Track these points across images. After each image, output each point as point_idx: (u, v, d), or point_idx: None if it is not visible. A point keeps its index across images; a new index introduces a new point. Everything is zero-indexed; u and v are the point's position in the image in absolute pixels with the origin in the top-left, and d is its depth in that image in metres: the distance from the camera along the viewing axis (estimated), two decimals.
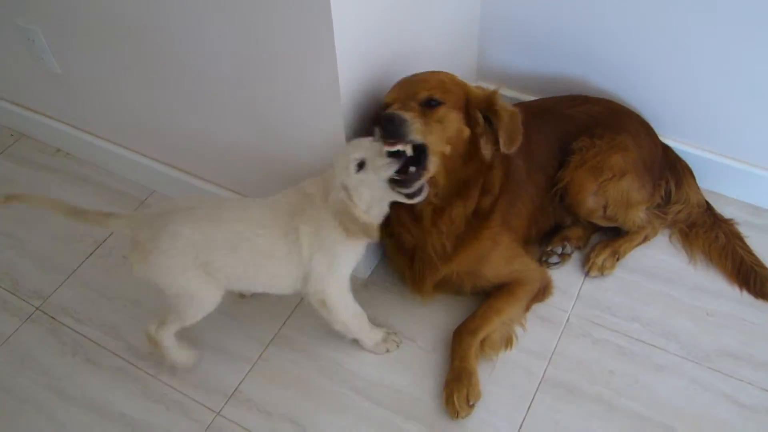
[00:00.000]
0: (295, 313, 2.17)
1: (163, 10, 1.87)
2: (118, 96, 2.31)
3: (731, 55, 2.09)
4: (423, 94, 1.78)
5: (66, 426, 1.99)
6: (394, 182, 1.75)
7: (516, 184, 2.05)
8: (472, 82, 2.54)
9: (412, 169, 1.76)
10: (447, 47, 2.28)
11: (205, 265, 1.82)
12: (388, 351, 2.07)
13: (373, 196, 1.78)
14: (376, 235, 1.78)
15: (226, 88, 1.97)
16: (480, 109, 1.85)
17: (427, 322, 2.13)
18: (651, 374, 1.98)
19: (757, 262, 2.18)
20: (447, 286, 2.10)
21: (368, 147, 1.74)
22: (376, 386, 2.00)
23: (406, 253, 2.06)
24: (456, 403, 1.87)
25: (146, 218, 1.84)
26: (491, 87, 1.91)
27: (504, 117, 1.83)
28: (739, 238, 2.24)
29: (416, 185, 1.76)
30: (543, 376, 1.99)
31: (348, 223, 1.75)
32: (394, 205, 1.88)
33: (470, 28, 2.40)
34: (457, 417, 1.88)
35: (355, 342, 2.08)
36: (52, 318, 2.24)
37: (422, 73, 1.87)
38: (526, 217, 2.12)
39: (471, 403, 1.89)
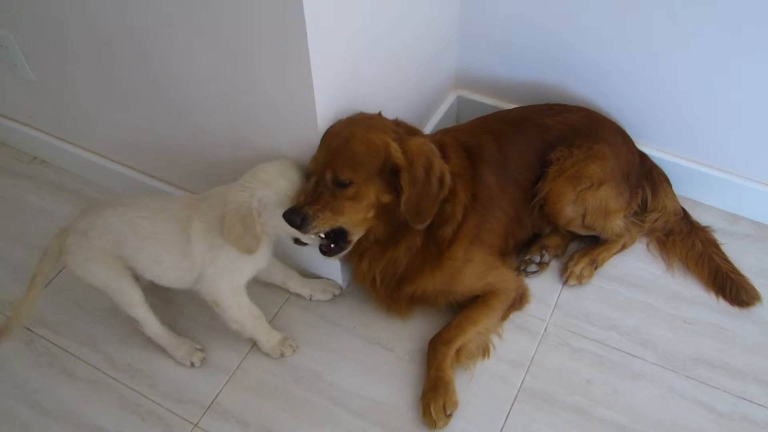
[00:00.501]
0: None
1: (139, 20, 1.85)
2: (93, 104, 2.29)
3: (707, 64, 2.11)
4: (330, 175, 1.76)
5: None
6: (320, 249, 1.87)
7: (486, 203, 2.04)
8: (451, 90, 2.58)
9: (333, 246, 1.86)
10: (426, 54, 2.28)
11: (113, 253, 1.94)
12: (283, 355, 2.08)
13: (274, 234, 1.90)
14: (255, 252, 1.83)
15: (204, 101, 1.96)
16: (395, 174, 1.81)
17: (405, 332, 2.13)
18: (629, 383, 1.99)
19: (733, 270, 2.19)
20: (421, 302, 2.10)
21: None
22: (355, 397, 1.99)
23: (366, 277, 2.07)
24: (433, 413, 1.87)
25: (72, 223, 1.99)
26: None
27: (408, 191, 1.78)
28: (715, 245, 2.25)
29: (338, 256, 1.88)
30: (521, 386, 1.99)
31: (237, 228, 1.79)
32: None
33: (449, 36, 2.40)
34: (435, 427, 1.88)
35: (334, 353, 2.08)
36: (28, 329, 2.21)
37: (341, 134, 1.79)
38: (501, 231, 2.12)
39: (448, 412, 1.89)
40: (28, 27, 2.18)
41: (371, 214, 1.83)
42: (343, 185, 1.76)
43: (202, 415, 1.98)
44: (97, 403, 2.03)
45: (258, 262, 1.95)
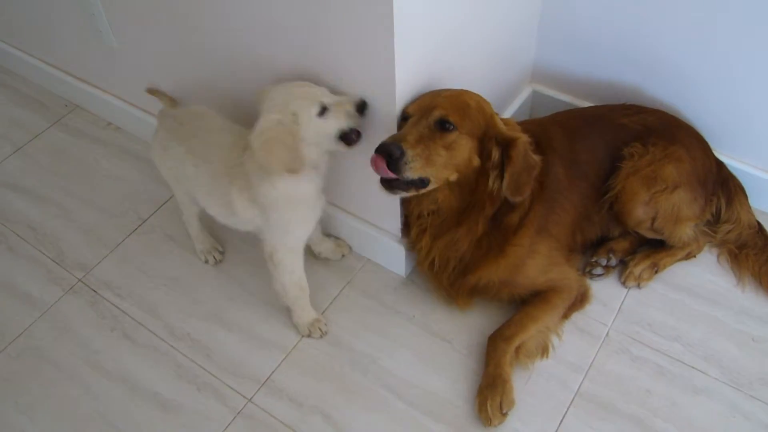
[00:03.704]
0: (333, 306, 2.17)
1: None
2: (171, 72, 2.32)
3: None
4: (438, 113, 1.74)
5: (99, 399, 2.02)
6: (385, 183, 1.77)
7: (554, 193, 2.01)
8: (527, 84, 2.54)
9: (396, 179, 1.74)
10: (505, 46, 2.24)
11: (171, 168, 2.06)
12: (310, 335, 2.09)
13: (316, 143, 1.79)
14: (300, 169, 1.73)
15: (286, 70, 1.94)
16: (499, 146, 1.80)
17: (464, 324, 2.11)
18: (689, 397, 1.94)
19: None
20: (483, 293, 2.08)
21: (327, 94, 1.77)
22: (410, 386, 1.99)
23: (426, 259, 2.04)
24: (489, 410, 1.86)
25: (170, 115, 2.08)
26: (517, 128, 1.88)
27: (516, 164, 1.78)
28: None
29: (399, 194, 1.80)
30: (578, 390, 1.96)
31: (279, 152, 1.71)
32: (411, 218, 1.98)
33: (529, 29, 2.36)
34: (490, 425, 1.86)
35: (391, 340, 2.09)
36: (94, 291, 2.27)
37: (451, 90, 1.82)
38: (569, 225, 2.08)
39: (504, 411, 1.87)
40: None
41: (454, 176, 1.80)
42: (445, 128, 1.74)
43: (257, 391, 2.00)
44: (154, 369, 2.07)
45: (310, 218, 1.93)
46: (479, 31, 2.01)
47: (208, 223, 2.28)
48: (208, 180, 1.93)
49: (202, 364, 2.07)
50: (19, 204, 2.56)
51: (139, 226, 2.44)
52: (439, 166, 1.75)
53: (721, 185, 2.22)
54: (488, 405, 1.87)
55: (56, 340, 2.15)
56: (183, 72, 2.27)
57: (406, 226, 2.09)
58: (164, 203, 2.49)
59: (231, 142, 1.91)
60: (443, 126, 1.73)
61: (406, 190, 1.77)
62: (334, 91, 1.81)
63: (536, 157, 1.84)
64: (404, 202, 2.03)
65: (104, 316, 2.20)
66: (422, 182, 1.76)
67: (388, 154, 1.67)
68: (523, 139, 1.80)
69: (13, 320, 2.21)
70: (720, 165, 2.24)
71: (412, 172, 1.70)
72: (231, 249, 2.35)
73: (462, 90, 1.83)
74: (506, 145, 1.79)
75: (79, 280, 2.30)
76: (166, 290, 2.25)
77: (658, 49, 2.22)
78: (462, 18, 1.87)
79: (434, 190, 1.82)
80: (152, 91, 2.17)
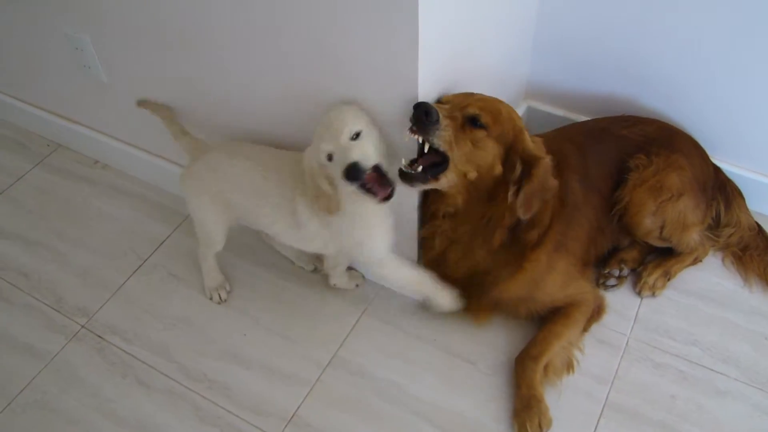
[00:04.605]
0: (352, 334, 2.14)
1: (217, 22, 1.83)
2: (168, 104, 2.25)
3: None
4: (471, 110, 1.74)
5: None
6: (403, 175, 1.74)
7: (573, 209, 2.02)
8: (522, 101, 2.55)
9: (419, 168, 1.73)
10: (500, 62, 2.24)
11: (219, 193, 1.98)
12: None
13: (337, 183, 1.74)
14: (335, 210, 1.73)
15: (290, 109, 1.93)
16: (522, 161, 1.79)
17: (487, 344, 2.10)
18: (713, 399, 1.96)
19: None
20: (501, 309, 2.08)
21: (338, 140, 1.66)
22: (438, 410, 1.96)
23: (449, 276, 2.03)
24: None
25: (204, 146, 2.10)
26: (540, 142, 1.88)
27: (534, 183, 1.77)
28: None
29: (420, 186, 1.77)
30: (606, 401, 1.97)
31: (313, 191, 1.74)
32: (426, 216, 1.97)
33: (523, 47, 2.38)
34: None
35: (415, 365, 2.06)
36: (99, 337, 2.18)
37: (486, 96, 1.83)
38: (585, 240, 2.09)
39: (544, 431, 1.86)
40: (105, 28, 2.15)
41: (473, 174, 1.77)
42: (476, 124, 1.73)
43: (284, 429, 1.95)
44: (174, 414, 2.00)
45: (381, 233, 1.85)
46: (477, 50, 2.01)
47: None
48: (278, 190, 1.88)
49: (224, 405, 2.01)
50: (7, 250, 2.46)
51: (140, 266, 2.37)
52: (462, 155, 1.73)
53: (719, 190, 2.27)
54: (528, 427, 1.86)
55: (64, 392, 2.06)
56: (180, 102, 2.21)
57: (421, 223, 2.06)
58: (164, 241, 2.43)
59: (292, 157, 1.89)
60: (474, 122, 1.73)
61: (423, 180, 1.75)
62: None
63: (554, 181, 1.84)
64: (423, 204, 1.99)
65: (113, 363, 2.12)
66: (441, 166, 1.74)
67: (425, 112, 1.64)
68: (547, 160, 1.80)
69: (14, 374, 2.11)
70: (717, 170, 2.29)
71: (439, 140, 1.68)
72: (241, 283, 2.29)
73: (496, 98, 1.83)
74: (529, 162, 1.78)
75: (82, 326, 2.21)
76: (175, 331, 2.18)
77: (652, 63, 2.26)
78: (465, 37, 1.86)
79: (453, 191, 1.81)
80: (144, 104, 2.17)
